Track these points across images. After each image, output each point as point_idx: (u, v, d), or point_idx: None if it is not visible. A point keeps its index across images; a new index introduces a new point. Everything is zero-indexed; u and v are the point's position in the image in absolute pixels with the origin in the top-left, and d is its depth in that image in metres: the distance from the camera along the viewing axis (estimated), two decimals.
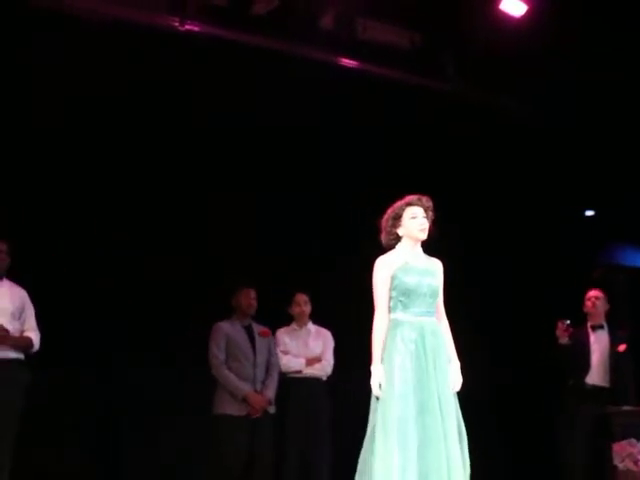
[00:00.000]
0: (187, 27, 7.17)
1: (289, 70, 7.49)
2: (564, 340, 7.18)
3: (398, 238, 4.90)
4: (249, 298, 6.80)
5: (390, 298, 4.81)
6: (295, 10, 7.32)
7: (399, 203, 4.90)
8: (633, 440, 7.07)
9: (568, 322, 7.15)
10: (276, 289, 7.15)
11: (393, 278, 4.80)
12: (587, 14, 7.52)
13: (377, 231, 4.95)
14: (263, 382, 6.68)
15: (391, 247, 4.92)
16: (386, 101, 7.89)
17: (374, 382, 4.68)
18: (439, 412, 4.58)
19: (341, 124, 7.79)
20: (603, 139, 8.77)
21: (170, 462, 7.09)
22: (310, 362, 6.86)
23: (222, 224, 7.40)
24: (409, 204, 4.87)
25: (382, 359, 4.70)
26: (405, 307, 4.78)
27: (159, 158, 7.22)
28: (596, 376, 7.30)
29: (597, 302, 7.38)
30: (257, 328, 6.84)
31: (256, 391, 6.60)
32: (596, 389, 7.28)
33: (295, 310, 7.05)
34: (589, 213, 9.35)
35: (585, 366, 7.27)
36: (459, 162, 8.29)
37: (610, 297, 7.61)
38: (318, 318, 7.12)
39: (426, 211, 4.88)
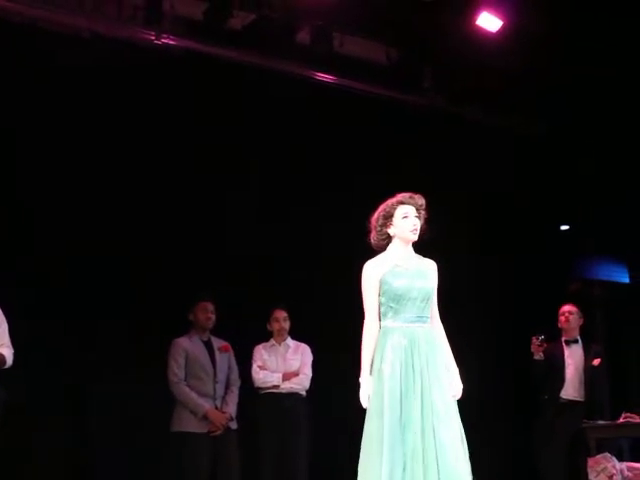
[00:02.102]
0: (163, 41, 7.17)
1: (265, 83, 7.51)
2: (539, 355, 7.20)
3: (389, 238, 4.66)
4: (207, 312, 6.71)
5: (380, 304, 4.57)
6: (271, 24, 7.31)
7: (390, 201, 4.66)
8: (608, 454, 7.10)
9: (542, 337, 7.16)
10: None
11: (382, 283, 4.55)
12: (560, 31, 7.60)
13: (367, 232, 4.74)
14: (223, 398, 6.64)
15: (381, 247, 4.68)
16: (362, 115, 7.92)
17: (363, 395, 4.48)
18: (419, 427, 4.36)
19: (318, 137, 7.82)
20: (580, 152, 8.85)
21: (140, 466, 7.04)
22: (287, 377, 6.81)
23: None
24: (401, 202, 4.63)
25: (371, 370, 4.49)
26: (396, 313, 4.53)
27: (131, 167, 7.13)
28: (571, 390, 7.33)
29: (570, 317, 7.41)
30: (216, 343, 6.77)
31: (217, 408, 6.56)
32: (571, 403, 7.31)
33: (274, 326, 6.97)
34: (564, 227, 9.39)
35: (560, 380, 7.30)
36: (435, 175, 8.30)
37: (585, 311, 7.65)
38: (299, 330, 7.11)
39: (418, 210, 4.64)
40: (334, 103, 7.83)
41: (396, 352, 4.47)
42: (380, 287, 4.57)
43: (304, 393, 6.86)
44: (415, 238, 4.63)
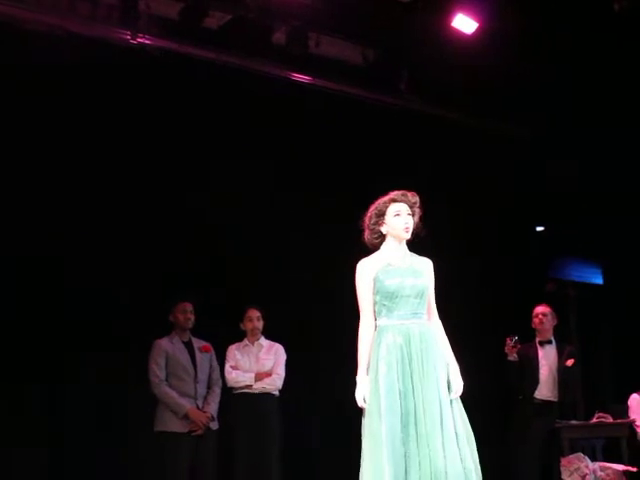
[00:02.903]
0: (139, 40, 7.16)
1: (241, 83, 7.51)
2: (513, 356, 7.23)
3: (382, 236, 4.63)
4: (186, 312, 6.72)
5: (375, 303, 4.55)
6: (247, 24, 7.31)
7: (382, 199, 4.62)
8: (581, 454, 7.15)
9: (516, 338, 7.18)
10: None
11: (375, 281, 4.53)
12: (535, 32, 7.63)
13: (360, 230, 4.69)
14: (205, 398, 6.65)
15: (374, 246, 4.65)
16: (338, 116, 7.93)
17: (358, 395, 4.43)
18: (423, 424, 4.31)
19: (294, 138, 7.83)
20: (555, 153, 8.88)
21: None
22: (259, 377, 6.80)
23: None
24: (393, 200, 4.59)
25: (368, 369, 4.45)
26: (389, 311, 4.51)
27: (107, 167, 7.11)
28: (545, 391, 7.35)
29: (544, 318, 7.43)
30: (197, 343, 6.77)
31: (198, 407, 6.57)
32: (545, 404, 7.33)
33: (247, 325, 6.95)
34: (539, 228, 9.43)
35: (534, 381, 7.31)
36: (411, 177, 8.29)
37: (559, 312, 7.68)
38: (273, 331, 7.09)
39: (411, 207, 4.59)
40: (310, 104, 7.83)
41: (391, 350, 4.43)
42: (374, 285, 4.55)
43: (277, 393, 6.84)
44: (408, 236, 4.61)
